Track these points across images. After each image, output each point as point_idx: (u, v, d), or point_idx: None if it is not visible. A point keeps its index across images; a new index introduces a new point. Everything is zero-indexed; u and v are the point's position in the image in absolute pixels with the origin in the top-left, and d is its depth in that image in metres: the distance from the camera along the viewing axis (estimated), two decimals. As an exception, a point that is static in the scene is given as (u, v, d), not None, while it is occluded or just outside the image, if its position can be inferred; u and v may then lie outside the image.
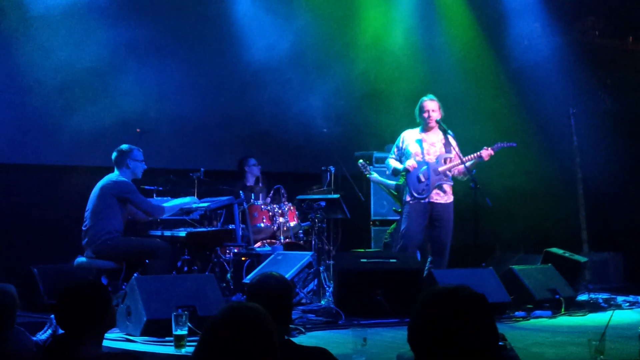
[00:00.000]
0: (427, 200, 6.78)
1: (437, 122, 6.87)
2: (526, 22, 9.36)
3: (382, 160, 8.64)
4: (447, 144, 6.95)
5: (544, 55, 9.18)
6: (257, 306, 2.06)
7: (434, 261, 6.74)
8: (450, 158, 6.92)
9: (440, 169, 6.85)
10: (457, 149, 6.84)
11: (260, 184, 8.61)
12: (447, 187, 6.88)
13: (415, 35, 9.18)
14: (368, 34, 9.11)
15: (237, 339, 1.94)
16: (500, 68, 9.28)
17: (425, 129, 6.96)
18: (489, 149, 6.74)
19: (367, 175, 7.97)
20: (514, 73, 9.26)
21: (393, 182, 7.74)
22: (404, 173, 6.94)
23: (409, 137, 6.96)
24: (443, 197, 6.85)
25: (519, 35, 9.37)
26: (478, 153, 6.76)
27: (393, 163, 7.03)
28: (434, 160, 6.89)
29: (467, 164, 6.73)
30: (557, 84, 8.93)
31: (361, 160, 7.99)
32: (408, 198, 6.84)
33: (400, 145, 7.00)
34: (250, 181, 8.64)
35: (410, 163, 6.81)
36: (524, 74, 9.19)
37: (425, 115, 6.89)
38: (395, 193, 7.67)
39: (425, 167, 6.83)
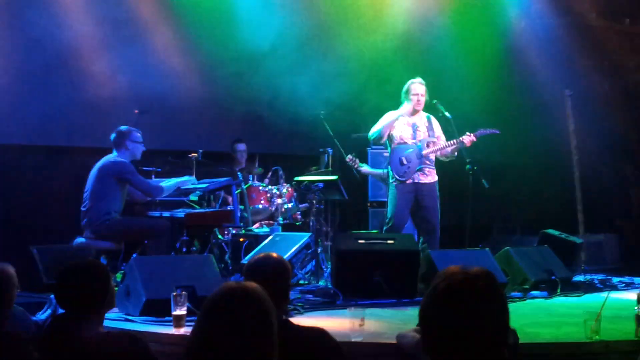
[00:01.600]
0: (410, 181, 6.83)
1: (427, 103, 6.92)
2: (523, 3, 9.34)
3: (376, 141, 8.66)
4: (430, 128, 6.98)
5: (541, 36, 9.16)
6: (255, 285, 2.08)
7: (426, 242, 6.77)
8: (434, 142, 6.96)
9: (423, 152, 6.90)
10: (440, 132, 6.91)
11: (256, 169, 8.61)
12: (428, 170, 6.93)
13: (412, 18, 9.15)
14: (366, 17, 9.08)
15: (235, 317, 1.95)
16: (497, 49, 9.26)
17: (412, 112, 6.98)
18: (471, 135, 6.78)
19: (357, 168, 7.99)
20: (510, 54, 9.24)
21: (385, 170, 7.78)
22: (391, 151, 6.95)
23: (388, 117, 6.97)
24: (427, 176, 6.90)
25: (516, 16, 9.35)
26: (460, 139, 6.79)
27: (377, 128, 6.98)
28: (418, 144, 6.93)
29: (449, 149, 6.80)
30: (553, 66, 8.92)
31: (350, 155, 8.00)
32: (392, 179, 6.89)
33: None
34: (242, 164, 8.65)
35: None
36: (521, 55, 9.18)
37: (414, 98, 6.90)
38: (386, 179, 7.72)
39: (409, 150, 6.87)
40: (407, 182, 6.83)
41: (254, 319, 1.96)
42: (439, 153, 6.91)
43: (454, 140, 6.81)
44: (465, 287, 1.89)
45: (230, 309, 1.96)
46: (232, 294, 2.00)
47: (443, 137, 6.97)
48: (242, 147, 8.69)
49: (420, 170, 6.86)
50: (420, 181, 6.86)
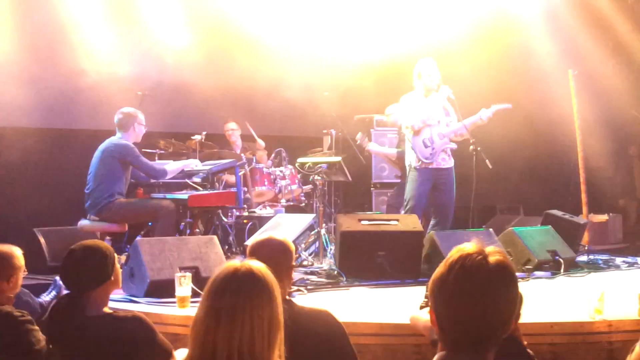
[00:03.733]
0: (433, 165, 6.76)
1: (437, 84, 6.84)
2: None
3: (383, 123, 8.65)
4: (446, 108, 6.93)
5: (545, 15, 9.10)
6: (259, 263, 2.07)
7: (438, 224, 6.75)
8: (452, 121, 6.90)
9: (444, 132, 6.83)
10: (457, 110, 6.83)
11: (260, 151, 8.61)
12: (450, 150, 6.89)
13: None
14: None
15: (239, 296, 1.94)
16: (500, 28, 9.21)
17: (425, 93, 6.89)
18: (487, 111, 6.75)
19: (366, 147, 7.95)
20: (514, 33, 9.19)
21: (394, 150, 7.75)
22: (407, 138, 6.87)
23: (412, 103, 6.87)
24: (447, 161, 6.85)
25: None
26: (478, 115, 6.75)
27: (417, 115, 6.81)
28: (437, 124, 6.85)
29: (469, 127, 6.74)
30: (557, 45, 8.87)
31: (360, 133, 7.95)
32: (415, 164, 6.79)
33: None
34: (238, 144, 8.59)
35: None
36: (524, 34, 9.12)
37: (427, 78, 6.81)
38: (395, 160, 7.70)
39: (430, 132, 6.80)
40: (431, 166, 6.74)
41: (259, 297, 1.95)
42: (458, 133, 6.85)
43: (473, 118, 6.75)
44: (477, 262, 1.88)
45: (235, 287, 1.96)
46: (235, 273, 1.99)
47: (461, 117, 6.85)
48: (231, 125, 8.61)
49: (444, 150, 6.81)
50: (441, 166, 6.79)
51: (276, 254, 2.95)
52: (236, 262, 2.04)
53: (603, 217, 8.49)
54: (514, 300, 1.90)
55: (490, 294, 1.84)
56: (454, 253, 1.93)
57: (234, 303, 1.93)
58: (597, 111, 8.65)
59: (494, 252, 1.90)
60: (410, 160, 6.84)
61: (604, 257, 7.07)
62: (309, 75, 8.49)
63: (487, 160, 6.55)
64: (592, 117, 8.60)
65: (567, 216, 7.10)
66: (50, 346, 2.97)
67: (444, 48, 8.46)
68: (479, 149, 6.59)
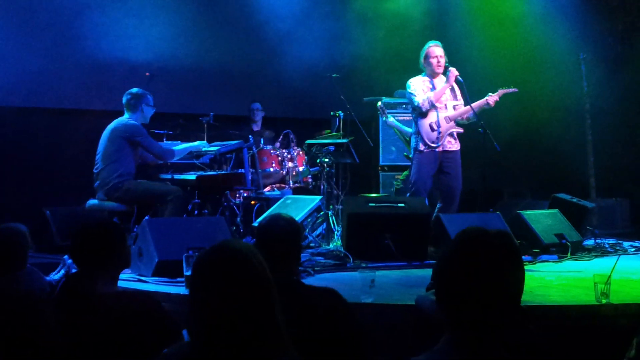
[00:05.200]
0: (440, 149, 6.75)
1: (445, 66, 6.80)
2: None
3: (392, 106, 8.62)
4: (453, 90, 6.90)
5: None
6: (244, 243, 2.08)
7: (444, 207, 6.75)
8: (459, 105, 6.88)
9: (451, 116, 6.80)
10: (465, 93, 6.81)
11: (267, 132, 8.63)
12: (456, 134, 6.87)
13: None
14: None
15: (220, 275, 1.95)
16: (510, 12, 9.16)
17: (432, 75, 6.86)
18: (494, 95, 6.73)
19: (384, 119, 7.93)
20: (524, 17, 9.14)
21: (409, 129, 7.73)
22: (417, 118, 6.84)
23: (419, 85, 6.84)
24: (454, 144, 6.83)
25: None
26: (485, 100, 6.74)
27: (424, 96, 6.74)
28: (445, 108, 6.83)
29: (476, 110, 6.71)
30: (567, 29, 8.82)
31: (380, 103, 7.94)
32: (421, 147, 6.76)
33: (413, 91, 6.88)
34: (258, 125, 8.70)
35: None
36: (534, 18, 9.07)
37: (434, 61, 6.78)
38: (409, 139, 7.67)
39: (437, 115, 6.77)
40: (437, 149, 6.73)
41: (238, 275, 1.96)
42: (465, 116, 6.83)
43: (480, 102, 6.73)
44: (482, 244, 1.90)
45: (217, 266, 1.97)
46: (217, 251, 2.01)
47: (468, 100, 6.83)
48: (255, 105, 8.72)
49: (450, 134, 6.79)
50: (447, 149, 6.78)
51: (284, 236, 2.96)
52: (221, 242, 2.05)
53: (611, 201, 8.46)
54: (520, 280, 1.91)
55: (496, 274, 1.86)
56: (459, 235, 1.95)
57: (215, 282, 1.94)
58: (606, 94, 8.61)
59: (499, 233, 1.93)
60: (416, 143, 6.82)
61: (611, 241, 7.07)
62: (317, 57, 8.47)
63: (495, 143, 6.53)
64: (601, 100, 8.56)
65: (574, 200, 7.09)
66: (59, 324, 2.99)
67: (451, 30, 8.43)
68: (487, 131, 6.57)
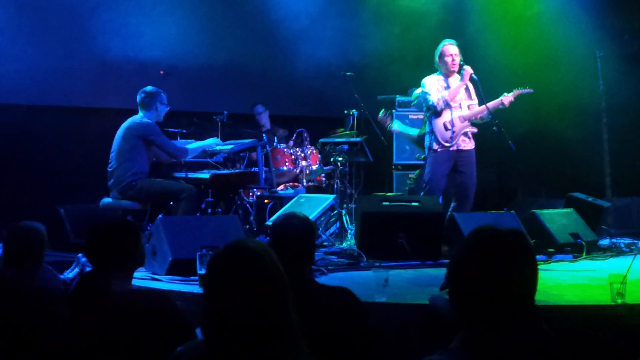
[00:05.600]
0: (454, 148, 6.72)
1: (460, 65, 6.77)
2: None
3: (405, 104, 8.60)
4: (467, 90, 6.86)
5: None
6: (260, 243, 2.08)
7: (459, 206, 6.72)
8: (473, 104, 6.85)
9: (465, 115, 6.77)
10: (480, 92, 6.77)
11: (281, 131, 8.63)
12: (471, 133, 6.84)
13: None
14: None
15: (236, 274, 1.95)
16: (526, 10, 9.11)
17: (447, 74, 6.82)
18: (509, 95, 6.70)
19: (389, 128, 7.91)
20: (539, 15, 9.08)
21: (415, 131, 7.71)
22: (428, 120, 6.81)
23: (434, 84, 6.80)
24: (468, 143, 6.80)
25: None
26: (500, 100, 6.70)
27: (439, 95, 6.70)
28: (459, 107, 6.80)
29: (491, 110, 6.68)
30: (583, 26, 8.76)
31: (382, 111, 7.91)
32: (435, 146, 6.73)
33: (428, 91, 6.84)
34: (267, 125, 8.68)
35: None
36: (550, 15, 9.01)
37: (449, 59, 6.74)
38: (417, 141, 7.66)
39: (451, 115, 6.74)
40: (451, 149, 6.71)
41: (253, 275, 1.95)
42: (479, 116, 6.80)
43: (495, 102, 6.70)
44: (495, 241, 1.89)
45: (230, 266, 1.97)
46: (231, 250, 2.00)
47: (484, 99, 6.80)
48: (259, 109, 8.72)
49: (465, 134, 6.76)
50: (461, 148, 6.75)
51: (298, 234, 2.95)
52: (236, 240, 2.05)
53: (627, 200, 8.40)
54: (533, 279, 1.90)
55: (509, 273, 1.85)
56: (471, 233, 1.95)
57: (228, 282, 1.94)
58: (622, 92, 8.54)
59: (511, 232, 1.92)
60: (430, 142, 6.80)
61: (627, 240, 7.01)
62: (331, 55, 8.46)
63: (510, 142, 6.50)
64: (618, 99, 8.49)
65: (590, 199, 7.04)
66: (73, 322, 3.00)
67: (467, 28, 8.39)
68: (502, 130, 6.53)
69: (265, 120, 8.75)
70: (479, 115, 6.79)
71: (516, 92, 6.73)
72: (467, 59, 6.83)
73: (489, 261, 1.86)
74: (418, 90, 7.24)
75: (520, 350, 1.86)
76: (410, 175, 8.22)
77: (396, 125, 7.95)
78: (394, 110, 8.60)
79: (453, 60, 6.73)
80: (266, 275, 1.97)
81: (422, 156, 7.22)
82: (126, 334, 2.70)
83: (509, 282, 1.84)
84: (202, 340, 2.03)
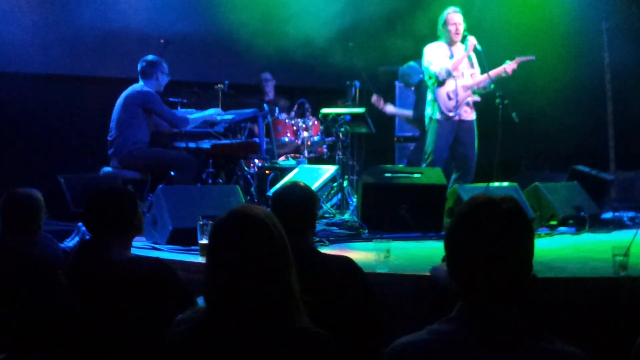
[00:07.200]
0: (456, 118, 6.68)
1: (463, 35, 6.70)
2: None
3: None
4: (469, 58, 6.80)
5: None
6: (265, 210, 2.06)
7: (461, 177, 6.70)
8: (475, 72, 6.80)
9: (468, 84, 6.72)
10: (483, 61, 6.72)
11: (282, 101, 8.56)
12: (472, 103, 6.79)
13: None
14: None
15: (237, 239, 1.93)
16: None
17: (451, 43, 6.76)
18: (511, 62, 6.64)
19: (382, 109, 7.89)
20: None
21: (410, 111, 7.69)
22: (433, 87, 6.75)
23: (437, 52, 6.74)
24: (470, 113, 6.77)
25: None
26: (502, 68, 6.65)
27: (442, 65, 6.66)
28: (462, 76, 6.75)
29: (493, 79, 6.63)
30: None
31: (374, 95, 7.88)
32: (438, 116, 6.70)
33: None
34: (270, 95, 8.61)
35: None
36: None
37: (452, 28, 6.68)
38: (413, 120, 7.65)
39: (455, 83, 6.69)
40: (454, 119, 6.66)
41: (257, 241, 1.94)
42: (481, 85, 6.75)
43: (498, 69, 6.64)
44: (488, 210, 1.86)
45: (230, 230, 1.95)
46: (236, 216, 1.98)
47: (486, 67, 6.74)
48: (266, 76, 8.64)
49: (467, 104, 6.71)
50: (463, 118, 6.71)
51: (300, 203, 2.93)
52: (239, 207, 2.03)
53: (630, 174, 8.36)
54: (528, 245, 1.87)
55: (502, 239, 1.82)
56: (465, 203, 1.93)
57: (232, 246, 1.93)
58: (628, 65, 8.46)
59: (504, 199, 1.89)
60: (432, 112, 6.75)
61: (631, 214, 6.98)
62: (333, 25, 8.36)
63: (513, 114, 6.45)
64: (622, 71, 8.42)
65: (593, 172, 7.00)
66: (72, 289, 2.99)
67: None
68: (506, 102, 6.48)
69: (270, 88, 8.68)
70: (481, 84, 6.74)
71: (518, 59, 6.67)
72: (470, 26, 6.76)
73: (483, 229, 1.83)
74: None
75: (519, 318, 1.84)
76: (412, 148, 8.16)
77: (390, 107, 7.93)
78: (396, 82, 8.54)
79: (457, 29, 6.67)
80: (271, 243, 1.95)
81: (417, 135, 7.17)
82: (125, 302, 2.69)
83: (503, 251, 1.81)
84: (203, 307, 2.01)
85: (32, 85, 7.70)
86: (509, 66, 6.63)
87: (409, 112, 7.78)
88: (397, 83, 8.51)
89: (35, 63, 7.68)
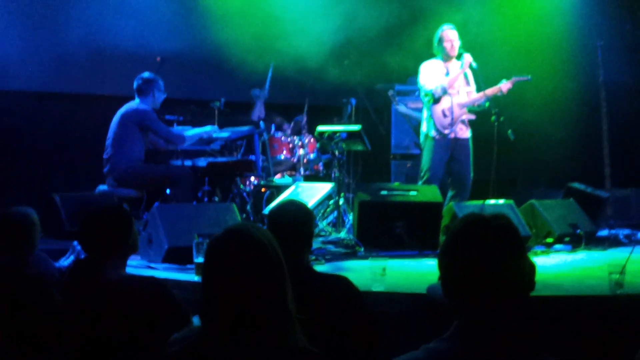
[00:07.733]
0: (452, 136, 6.70)
1: (458, 52, 6.73)
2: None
3: (405, 93, 8.56)
4: (465, 76, 6.83)
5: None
6: (261, 228, 2.05)
7: (457, 195, 6.70)
8: (471, 90, 6.82)
9: (464, 102, 6.74)
10: (479, 79, 6.74)
11: (278, 118, 8.56)
12: (467, 121, 6.81)
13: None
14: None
15: (231, 257, 1.92)
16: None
17: (446, 59, 6.79)
18: (507, 82, 6.67)
19: (395, 106, 7.90)
20: (540, 2, 9.02)
21: (420, 115, 7.68)
22: (429, 104, 6.77)
23: (433, 69, 6.76)
24: (465, 131, 6.79)
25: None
26: (498, 87, 6.67)
27: (438, 83, 6.68)
28: (457, 94, 6.76)
29: (489, 97, 6.66)
30: (584, 15, 8.70)
31: (391, 91, 7.90)
32: (433, 133, 6.71)
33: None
34: (258, 112, 8.54)
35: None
36: (551, 3, 8.96)
37: (448, 45, 6.70)
38: (416, 127, 7.63)
39: (450, 101, 6.70)
40: (450, 136, 6.68)
41: (253, 260, 1.92)
42: (476, 103, 6.76)
43: (494, 89, 6.66)
44: (479, 227, 1.86)
45: (227, 248, 1.94)
46: (232, 234, 1.97)
47: (481, 86, 6.77)
48: (255, 92, 8.60)
49: (463, 121, 6.73)
50: (459, 136, 6.72)
51: (296, 221, 2.92)
52: (234, 225, 2.02)
53: (626, 192, 8.37)
54: (520, 263, 1.86)
55: (493, 256, 1.82)
56: (457, 221, 1.93)
57: (226, 265, 1.92)
58: (623, 83, 8.50)
59: (496, 217, 1.89)
60: (428, 129, 6.77)
61: (626, 232, 6.98)
62: (328, 43, 8.39)
63: (509, 132, 6.46)
64: (617, 89, 8.45)
65: (589, 189, 7.01)
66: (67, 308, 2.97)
67: (466, 15, 8.31)
68: (502, 119, 6.49)
69: (260, 105, 8.63)
70: (476, 103, 6.77)
71: (514, 79, 6.69)
72: (465, 44, 6.78)
73: (474, 247, 1.83)
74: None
75: (513, 338, 1.83)
76: (408, 165, 8.17)
77: (404, 107, 7.93)
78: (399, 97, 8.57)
79: (452, 46, 6.69)
80: (267, 261, 1.94)
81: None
82: (120, 321, 2.67)
83: (494, 268, 1.81)
84: (198, 327, 2.00)
85: (27, 103, 7.71)
86: (505, 85, 6.66)
87: (418, 115, 7.76)
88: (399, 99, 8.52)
89: (30, 81, 7.69)
